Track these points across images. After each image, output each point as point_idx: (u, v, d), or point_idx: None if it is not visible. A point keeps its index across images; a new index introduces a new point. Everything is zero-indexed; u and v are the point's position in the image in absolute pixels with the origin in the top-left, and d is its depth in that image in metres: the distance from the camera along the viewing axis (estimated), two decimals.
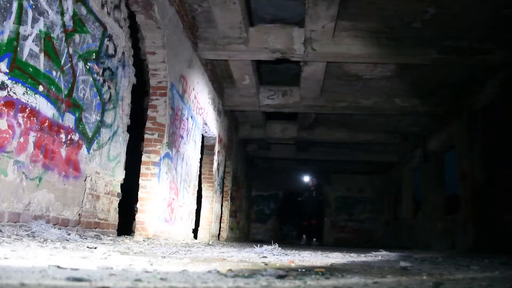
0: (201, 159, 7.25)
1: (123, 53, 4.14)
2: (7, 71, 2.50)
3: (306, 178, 14.41)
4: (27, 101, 2.69)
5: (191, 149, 6.30)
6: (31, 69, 2.72)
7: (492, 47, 6.16)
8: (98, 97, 3.68)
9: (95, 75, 3.61)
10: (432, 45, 6.19)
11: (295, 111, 9.33)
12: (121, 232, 4.40)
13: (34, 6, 2.72)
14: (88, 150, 3.54)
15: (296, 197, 14.06)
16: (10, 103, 2.54)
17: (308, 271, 2.01)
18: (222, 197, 9.84)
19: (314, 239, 12.25)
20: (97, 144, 3.70)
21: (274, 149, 13.65)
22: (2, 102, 2.46)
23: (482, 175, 7.95)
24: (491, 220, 7.45)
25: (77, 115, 3.34)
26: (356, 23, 6.00)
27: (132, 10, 4.46)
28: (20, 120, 2.63)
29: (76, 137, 3.33)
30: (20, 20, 2.59)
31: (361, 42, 6.20)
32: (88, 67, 3.48)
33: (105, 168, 3.85)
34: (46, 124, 2.91)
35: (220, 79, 8.33)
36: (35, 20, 2.74)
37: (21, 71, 2.62)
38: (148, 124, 4.97)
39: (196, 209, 6.72)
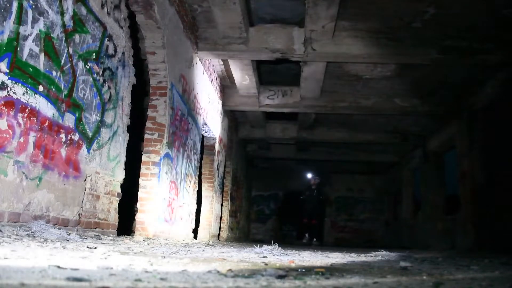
0: (201, 159, 7.25)
1: (123, 53, 4.14)
2: (7, 71, 2.50)
3: (309, 175, 14.36)
4: (27, 101, 2.69)
5: (191, 149, 6.30)
6: (31, 69, 2.72)
7: (492, 47, 6.16)
8: (98, 97, 3.68)
9: (95, 75, 3.61)
10: (432, 45, 6.19)
11: (295, 111, 9.33)
12: (121, 232, 4.40)
13: (34, 6, 2.72)
14: (88, 150, 3.54)
15: (297, 196, 14.04)
16: (10, 103, 2.54)
17: (308, 271, 2.01)
18: (222, 197, 9.84)
19: (315, 239, 12.23)
20: (97, 144, 3.70)
21: (274, 149, 13.65)
22: (2, 102, 2.46)
23: (482, 175, 7.95)
24: (491, 220, 7.45)
25: (77, 115, 3.34)
26: (356, 23, 6.00)
27: (132, 10, 4.46)
28: (20, 120, 2.63)
29: (76, 137, 3.33)
30: (20, 20, 2.59)
31: (361, 42, 6.20)
32: (88, 67, 3.48)
33: (105, 168, 3.85)
34: (46, 124, 2.91)
35: (220, 79, 8.34)
36: (35, 20, 2.74)
37: (21, 71, 2.62)
38: (148, 124, 4.98)
39: (196, 209, 6.72)
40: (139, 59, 5.52)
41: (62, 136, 3.14)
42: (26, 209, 2.73)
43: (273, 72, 8.31)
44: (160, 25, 4.72)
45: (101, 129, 3.76)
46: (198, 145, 6.82)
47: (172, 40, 5.17)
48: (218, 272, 1.67)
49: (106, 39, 3.76)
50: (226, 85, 8.67)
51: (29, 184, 2.75)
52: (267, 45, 6.28)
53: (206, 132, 7.79)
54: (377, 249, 6.01)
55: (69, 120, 3.22)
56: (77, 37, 3.28)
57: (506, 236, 6.75)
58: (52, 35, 2.93)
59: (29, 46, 2.69)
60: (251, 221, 16.04)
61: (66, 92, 3.15)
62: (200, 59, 6.55)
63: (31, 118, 2.74)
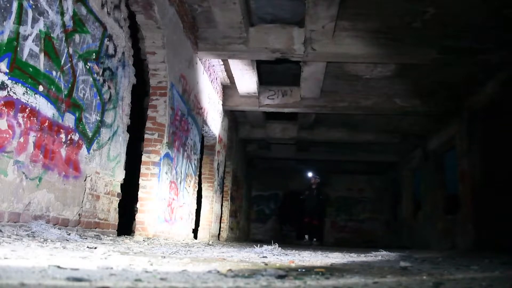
0: (201, 159, 7.25)
1: (123, 53, 4.14)
2: (7, 71, 2.50)
3: (310, 174, 14.34)
4: (27, 101, 2.69)
5: (191, 149, 6.30)
6: (31, 69, 2.72)
7: (492, 47, 6.16)
8: (98, 97, 3.68)
9: (95, 75, 3.61)
10: (432, 45, 6.19)
11: (295, 111, 9.33)
12: (121, 232, 4.40)
13: (34, 6, 2.72)
14: (88, 150, 3.54)
15: (297, 196, 14.04)
16: (10, 103, 2.54)
17: (308, 271, 2.01)
18: (222, 197, 9.84)
19: (315, 239, 12.23)
20: (97, 144, 3.70)
21: (274, 149, 13.64)
22: (2, 102, 2.47)
23: (482, 175, 7.94)
24: (491, 220, 7.45)
25: (77, 115, 3.34)
26: (356, 23, 6.00)
27: (132, 10, 4.46)
28: (20, 120, 2.63)
29: (76, 137, 3.33)
30: (20, 20, 2.59)
31: (361, 42, 6.20)
32: (88, 67, 3.48)
33: (105, 168, 3.85)
34: (46, 124, 2.91)
35: (220, 79, 8.33)
36: (35, 20, 2.74)
37: (21, 71, 2.62)
38: (148, 124, 4.98)
39: (196, 209, 6.72)
40: (139, 59, 5.52)
41: (62, 136, 3.14)
42: (26, 209, 2.73)
43: (273, 72, 8.31)
44: (160, 25, 4.72)
45: (101, 129, 3.76)
46: (198, 145, 6.82)
47: (172, 40, 5.17)
48: (218, 272, 1.67)
49: (106, 39, 3.76)
50: (226, 85, 8.67)
51: (29, 184, 2.75)
52: (267, 45, 6.28)
53: (206, 132, 7.79)
54: (377, 249, 6.01)
55: (69, 120, 3.22)
56: (77, 37, 3.28)
57: (506, 236, 6.75)
58: (52, 35, 2.93)
59: (29, 46, 2.69)
60: (251, 221, 16.04)
61: (66, 92, 3.15)
62: (200, 59, 6.55)
63: (31, 118, 2.74)
